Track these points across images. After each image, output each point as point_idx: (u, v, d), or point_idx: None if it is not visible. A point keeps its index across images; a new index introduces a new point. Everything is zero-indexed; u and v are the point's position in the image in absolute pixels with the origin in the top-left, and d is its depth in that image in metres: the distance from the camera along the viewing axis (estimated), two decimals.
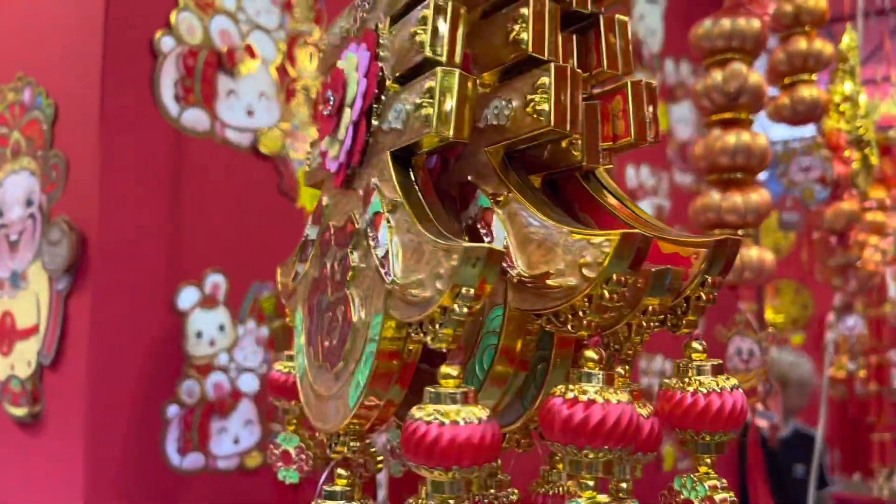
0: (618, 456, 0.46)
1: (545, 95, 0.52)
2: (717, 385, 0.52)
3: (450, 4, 0.54)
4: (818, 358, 2.74)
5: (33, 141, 1.27)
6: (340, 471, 0.60)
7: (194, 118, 1.26)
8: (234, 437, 1.29)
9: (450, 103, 0.52)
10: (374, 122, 0.60)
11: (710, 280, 0.54)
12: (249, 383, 1.32)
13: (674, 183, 2.55)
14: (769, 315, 3.82)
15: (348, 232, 0.60)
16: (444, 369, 0.47)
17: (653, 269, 0.52)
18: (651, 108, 0.55)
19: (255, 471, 1.31)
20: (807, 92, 1.45)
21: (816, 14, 1.50)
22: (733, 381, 0.53)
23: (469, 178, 0.58)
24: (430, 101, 0.52)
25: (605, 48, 0.58)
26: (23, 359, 1.23)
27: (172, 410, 1.21)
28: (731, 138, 1.18)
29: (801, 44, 1.45)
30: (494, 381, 0.58)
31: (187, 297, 1.24)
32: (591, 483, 0.45)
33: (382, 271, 0.53)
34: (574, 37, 0.59)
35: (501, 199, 0.54)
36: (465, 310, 0.46)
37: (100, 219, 1.15)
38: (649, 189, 2.46)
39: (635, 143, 0.56)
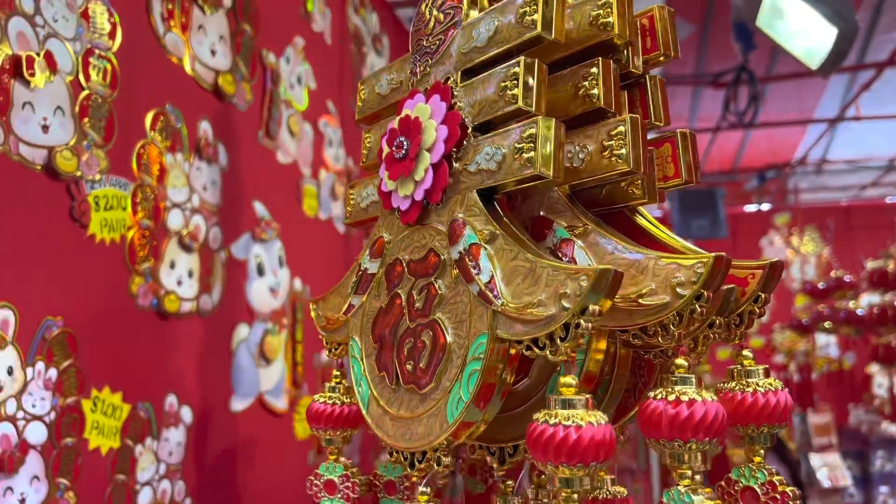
0: (710, 447, 0.58)
1: (622, 141, 0.64)
2: (771, 385, 0.65)
3: (536, 63, 0.64)
4: None
5: None
6: (423, 488, 0.63)
7: None
8: (19, 497, 1.12)
9: (549, 147, 0.61)
10: (455, 165, 0.66)
11: (762, 297, 0.65)
12: (38, 433, 1.16)
13: None
14: None
15: (431, 263, 0.64)
16: (564, 380, 0.56)
17: (722, 289, 0.63)
18: (692, 153, 0.70)
19: None
20: None
21: None
22: (779, 382, 0.66)
23: (541, 213, 0.67)
24: (532, 145, 0.61)
25: (651, 103, 0.71)
26: None
27: None
28: None
29: None
30: (478, 401, 0.66)
31: None
32: (689, 473, 0.57)
33: (491, 294, 0.59)
34: (625, 92, 0.72)
35: (580, 230, 0.64)
36: (591, 324, 0.55)
37: None
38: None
39: (685, 184, 0.70)
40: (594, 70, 0.66)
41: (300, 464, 1.97)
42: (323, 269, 2.13)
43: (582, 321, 0.55)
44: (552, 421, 0.53)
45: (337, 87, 2.31)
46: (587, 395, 0.56)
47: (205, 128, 1.63)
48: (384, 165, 0.74)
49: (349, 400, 0.75)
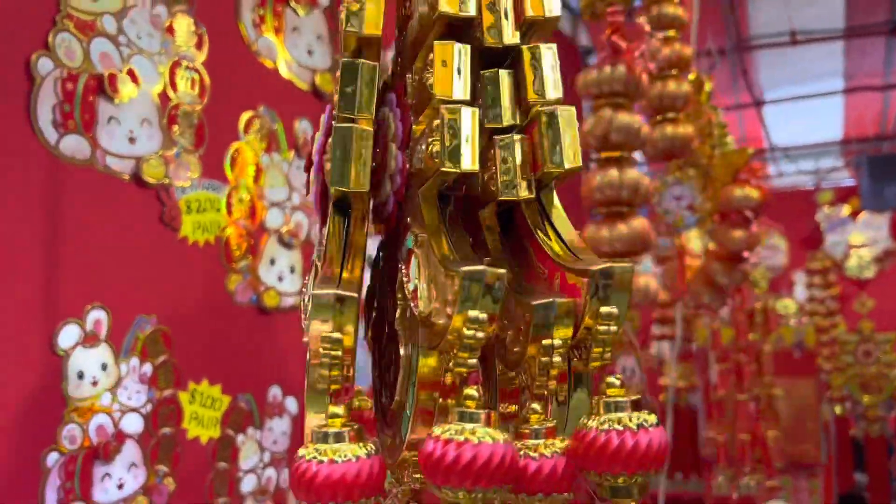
0: (491, 496, 0.46)
1: (437, 137, 0.55)
2: (634, 422, 0.48)
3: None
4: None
5: None
6: None
7: (74, 145, 1.19)
8: (117, 483, 1.22)
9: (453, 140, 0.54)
10: (408, 165, 0.62)
11: (605, 311, 0.51)
12: (134, 424, 1.25)
13: None
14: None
15: (396, 271, 0.61)
16: (466, 391, 0.49)
17: (533, 303, 0.51)
18: (570, 134, 0.57)
19: None
20: (681, 129, 1.62)
21: (685, 59, 1.69)
22: (653, 418, 0.48)
23: (408, 219, 0.61)
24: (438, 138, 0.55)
25: (530, 78, 0.59)
26: None
27: (52, 458, 1.13)
28: (615, 175, 1.29)
29: (672, 85, 1.63)
30: (419, 415, 0.60)
31: (68, 335, 1.16)
32: None
33: (412, 304, 0.55)
34: (501, 73, 0.61)
35: (420, 239, 0.56)
36: (480, 333, 0.49)
37: None
38: None
39: (552, 173, 0.56)
40: (431, 56, 0.58)
41: None
42: None
43: (465, 329, 0.48)
44: (445, 436, 0.47)
45: None
46: (488, 410, 0.49)
47: (304, 127, 1.67)
48: None
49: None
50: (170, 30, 1.37)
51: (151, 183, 1.31)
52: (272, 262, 1.56)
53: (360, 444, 0.51)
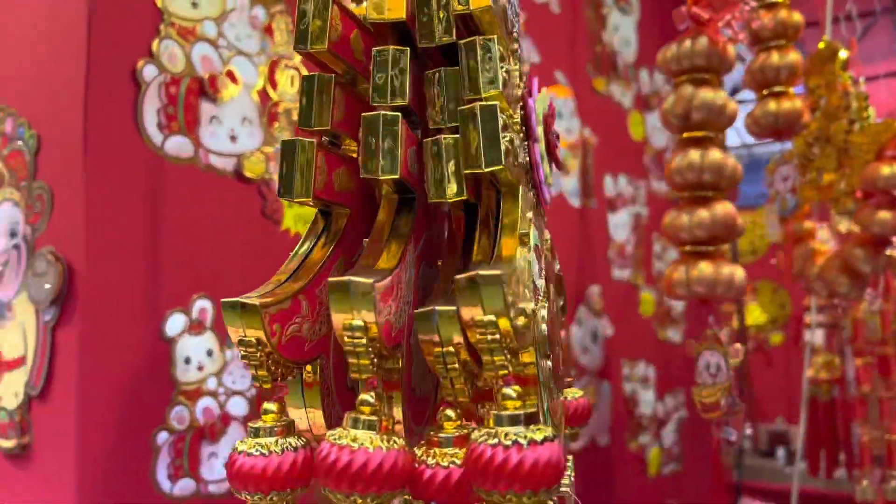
0: (381, 501, 0.46)
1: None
2: (524, 437, 0.45)
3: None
4: (797, 358, 2.79)
5: (16, 172, 1.27)
6: None
7: (178, 145, 1.27)
8: (224, 462, 1.30)
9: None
10: None
11: (477, 320, 0.48)
12: (239, 407, 1.33)
13: (651, 191, 2.59)
14: (755, 315, 3.88)
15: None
16: (360, 396, 0.50)
17: (415, 311, 0.53)
18: (490, 133, 0.54)
19: None
20: (787, 104, 1.48)
21: (791, 27, 1.54)
22: (546, 432, 0.46)
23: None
24: None
25: (464, 75, 0.57)
26: (10, 390, 1.23)
27: (162, 437, 1.22)
28: (696, 156, 1.20)
29: (775, 57, 1.49)
30: None
31: (175, 323, 1.25)
32: None
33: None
34: (439, 72, 0.60)
35: (364, 244, 0.61)
36: (361, 340, 0.49)
37: (86, 248, 1.16)
38: (628, 198, 2.49)
39: (475, 173, 0.56)
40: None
41: None
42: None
43: (345, 337, 0.51)
44: (339, 442, 0.47)
45: (569, 56, 2.23)
46: (381, 417, 0.49)
47: None
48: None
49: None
50: (268, 30, 1.43)
51: (253, 178, 1.37)
52: None
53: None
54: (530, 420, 0.47)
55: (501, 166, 0.54)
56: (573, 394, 0.76)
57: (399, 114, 0.56)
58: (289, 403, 0.60)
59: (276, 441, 0.54)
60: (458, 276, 0.48)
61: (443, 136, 0.56)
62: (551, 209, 2.07)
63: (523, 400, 0.47)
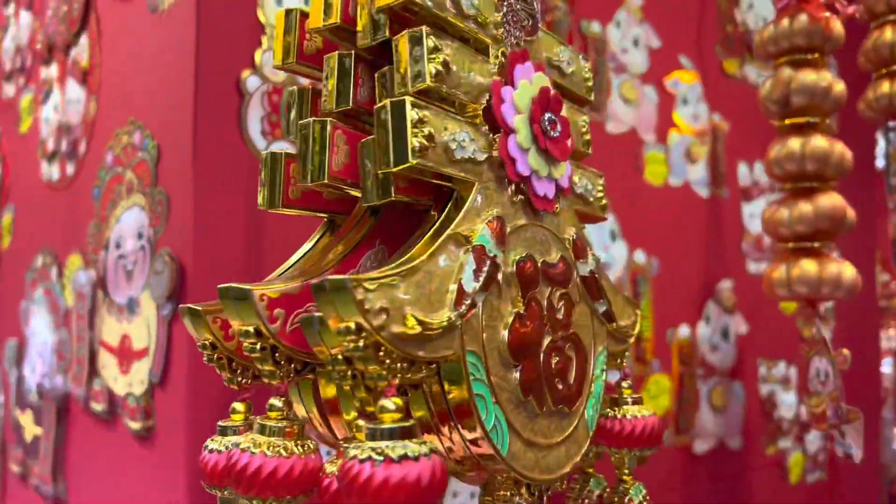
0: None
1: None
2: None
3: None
4: None
5: (142, 179, 1.40)
6: None
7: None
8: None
9: None
10: None
11: (335, 327, 0.47)
12: None
13: None
14: None
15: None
16: (270, 401, 0.51)
17: (300, 317, 0.53)
18: (398, 131, 0.52)
19: None
20: (888, 86, 1.32)
21: None
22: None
23: None
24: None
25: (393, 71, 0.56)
26: (137, 378, 1.36)
27: None
28: (797, 145, 1.10)
29: (888, 34, 1.32)
30: None
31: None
32: None
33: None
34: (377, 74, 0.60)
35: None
36: (257, 345, 0.53)
37: (195, 250, 1.25)
38: (765, 186, 2.33)
39: (386, 174, 0.55)
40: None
41: None
42: (675, 239, 2.00)
43: (245, 342, 0.56)
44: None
45: (694, 39, 2.12)
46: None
47: None
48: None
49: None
50: None
51: None
52: None
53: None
54: (407, 434, 0.45)
55: (409, 163, 0.52)
56: (639, 412, 0.71)
57: (328, 119, 0.56)
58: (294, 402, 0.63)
59: (288, 444, 0.53)
60: (313, 283, 0.46)
61: (369, 137, 0.56)
62: (672, 200, 1.98)
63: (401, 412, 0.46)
